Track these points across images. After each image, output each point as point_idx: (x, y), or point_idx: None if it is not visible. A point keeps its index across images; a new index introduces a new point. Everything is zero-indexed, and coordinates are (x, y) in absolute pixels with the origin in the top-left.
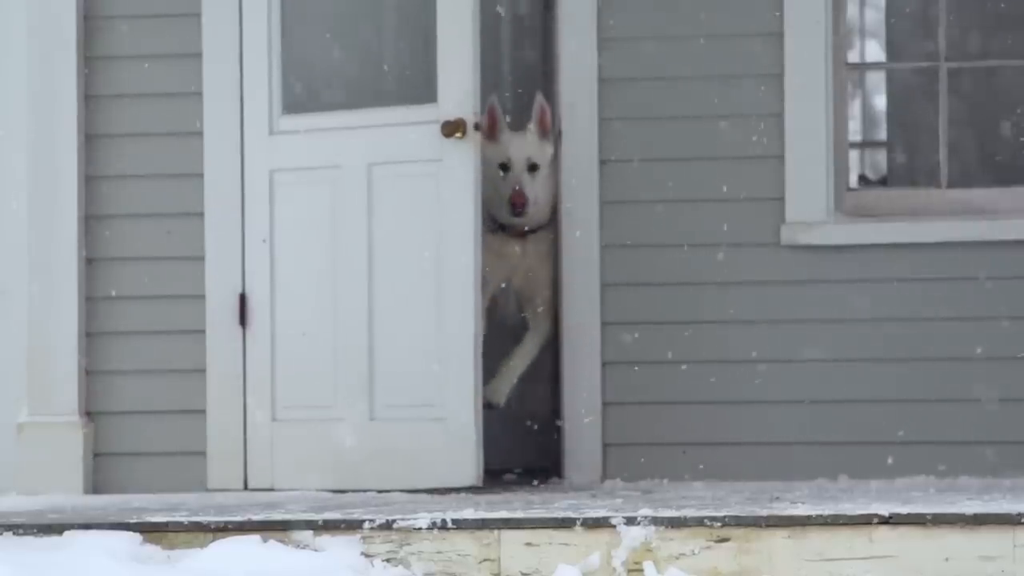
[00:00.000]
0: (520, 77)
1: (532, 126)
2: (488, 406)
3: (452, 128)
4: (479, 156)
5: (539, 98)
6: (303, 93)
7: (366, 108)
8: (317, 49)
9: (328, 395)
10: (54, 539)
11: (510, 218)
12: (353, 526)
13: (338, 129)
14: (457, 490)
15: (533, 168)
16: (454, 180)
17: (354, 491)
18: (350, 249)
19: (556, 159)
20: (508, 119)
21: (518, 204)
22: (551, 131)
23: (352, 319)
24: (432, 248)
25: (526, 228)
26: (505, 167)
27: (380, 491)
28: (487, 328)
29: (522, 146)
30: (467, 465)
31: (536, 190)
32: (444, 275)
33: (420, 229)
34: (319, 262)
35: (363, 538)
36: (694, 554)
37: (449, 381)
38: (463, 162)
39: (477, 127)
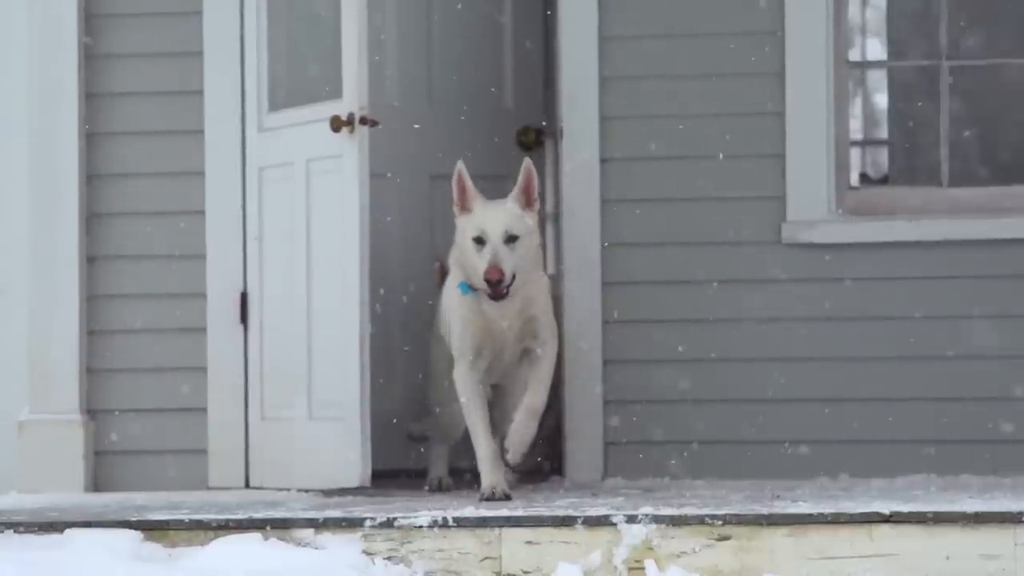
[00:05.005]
0: (522, 76)
1: (514, 194)
2: (518, 460)
3: (340, 123)
4: (367, 152)
5: (527, 163)
6: (283, 90)
7: (306, 105)
8: (294, 46)
9: (290, 394)
10: (55, 537)
11: (488, 298)
12: (354, 524)
13: (294, 125)
14: (344, 491)
15: (511, 239)
16: (347, 176)
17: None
18: (299, 246)
19: (542, 227)
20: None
21: (493, 279)
22: (536, 200)
23: (300, 317)
24: (339, 246)
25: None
26: (480, 240)
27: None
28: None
29: (498, 216)
30: (354, 466)
31: (515, 263)
32: (345, 273)
33: (331, 226)
34: (286, 259)
35: (364, 536)
36: (695, 552)
37: (348, 380)
38: (351, 157)
39: (364, 121)
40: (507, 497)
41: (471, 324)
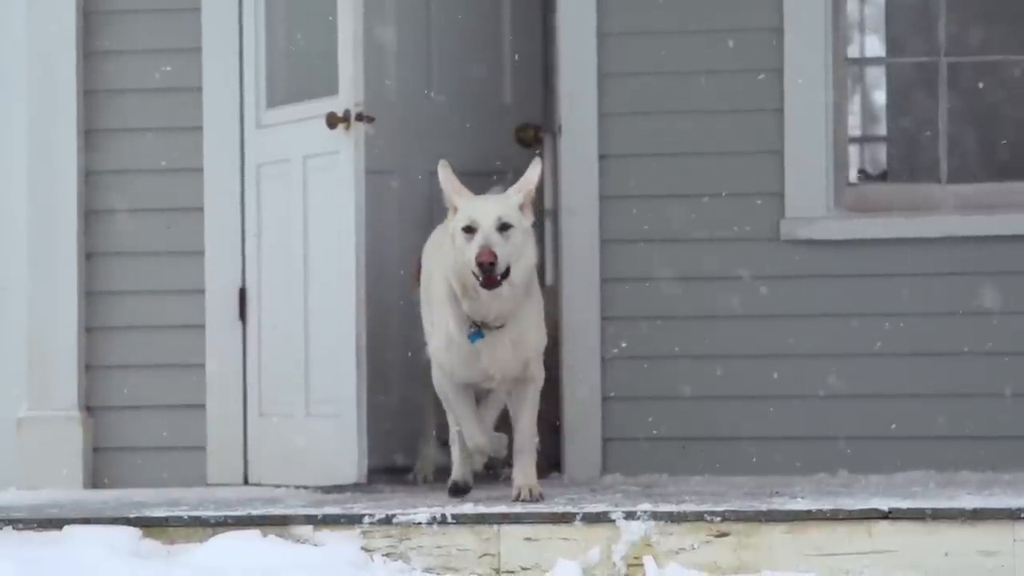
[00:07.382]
0: (521, 73)
1: (514, 188)
2: (538, 498)
3: (335, 119)
4: (363, 149)
5: (535, 163)
6: (282, 86)
7: (304, 101)
8: (293, 43)
9: (288, 391)
10: (54, 534)
11: (479, 290)
12: (353, 521)
13: (291, 122)
14: (342, 488)
15: (505, 227)
16: (342, 173)
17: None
18: (296, 243)
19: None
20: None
21: (485, 261)
22: (532, 200)
23: (298, 314)
24: (335, 243)
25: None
26: (470, 229)
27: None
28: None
29: (490, 204)
30: (351, 463)
31: (509, 253)
32: (342, 271)
33: (327, 223)
34: (284, 256)
35: (363, 533)
36: (694, 549)
37: (344, 378)
38: (347, 154)
39: (359, 117)
40: (466, 490)
41: (459, 366)
